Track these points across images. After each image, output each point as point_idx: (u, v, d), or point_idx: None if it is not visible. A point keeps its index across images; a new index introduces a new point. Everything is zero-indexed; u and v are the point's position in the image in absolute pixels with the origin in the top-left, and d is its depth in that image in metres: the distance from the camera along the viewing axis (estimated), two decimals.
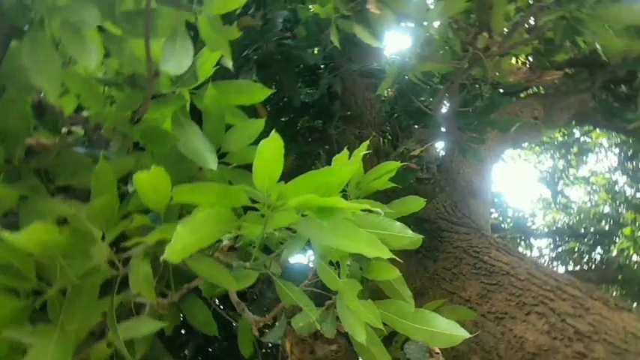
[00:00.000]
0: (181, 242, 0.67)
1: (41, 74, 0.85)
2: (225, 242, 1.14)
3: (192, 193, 0.78)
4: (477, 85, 3.19)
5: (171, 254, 0.66)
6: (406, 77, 2.85)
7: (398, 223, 0.95)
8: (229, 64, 1.21)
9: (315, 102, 2.77)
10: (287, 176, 0.81)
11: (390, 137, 3.20)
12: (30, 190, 1.08)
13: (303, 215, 0.87)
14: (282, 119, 2.78)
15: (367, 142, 1.28)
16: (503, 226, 6.13)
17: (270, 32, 2.37)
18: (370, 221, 0.97)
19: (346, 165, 1.22)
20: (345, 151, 1.23)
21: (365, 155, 1.24)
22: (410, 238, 0.93)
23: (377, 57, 3.33)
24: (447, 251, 2.45)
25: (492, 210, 5.83)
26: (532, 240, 6.45)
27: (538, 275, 2.00)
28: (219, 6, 1.12)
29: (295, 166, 2.58)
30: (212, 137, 1.23)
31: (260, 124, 1.27)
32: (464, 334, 1.03)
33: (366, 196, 1.50)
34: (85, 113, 1.34)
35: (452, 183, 3.00)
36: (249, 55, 2.43)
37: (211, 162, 1.13)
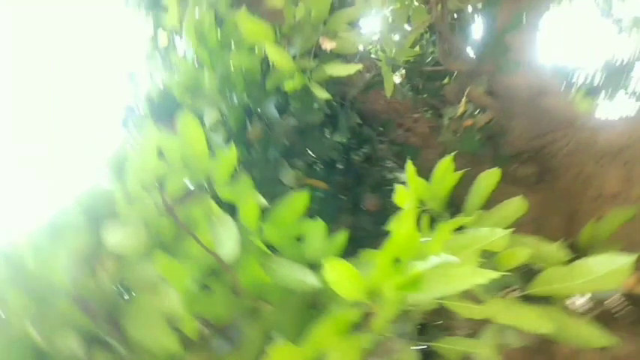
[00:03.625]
0: None
1: None
2: None
3: None
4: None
5: None
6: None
7: (489, 229, 0.91)
8: None
9: (350, 141, 2.77)
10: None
11: (431, 111, 3.11)
12: None
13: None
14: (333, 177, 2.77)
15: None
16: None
17: (275, 128, 2.44)
18: (464, 239, 0.96)
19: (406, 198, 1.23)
20: (400, 189, 1.24)
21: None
22: (506, 233, 0.89)
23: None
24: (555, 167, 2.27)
25: (577, 72, 5.20)
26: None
27: None
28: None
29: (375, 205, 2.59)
30: None
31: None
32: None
33: (443, 196, 1.47)
34: None
35: (521, 106, 2.77)
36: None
37: None
